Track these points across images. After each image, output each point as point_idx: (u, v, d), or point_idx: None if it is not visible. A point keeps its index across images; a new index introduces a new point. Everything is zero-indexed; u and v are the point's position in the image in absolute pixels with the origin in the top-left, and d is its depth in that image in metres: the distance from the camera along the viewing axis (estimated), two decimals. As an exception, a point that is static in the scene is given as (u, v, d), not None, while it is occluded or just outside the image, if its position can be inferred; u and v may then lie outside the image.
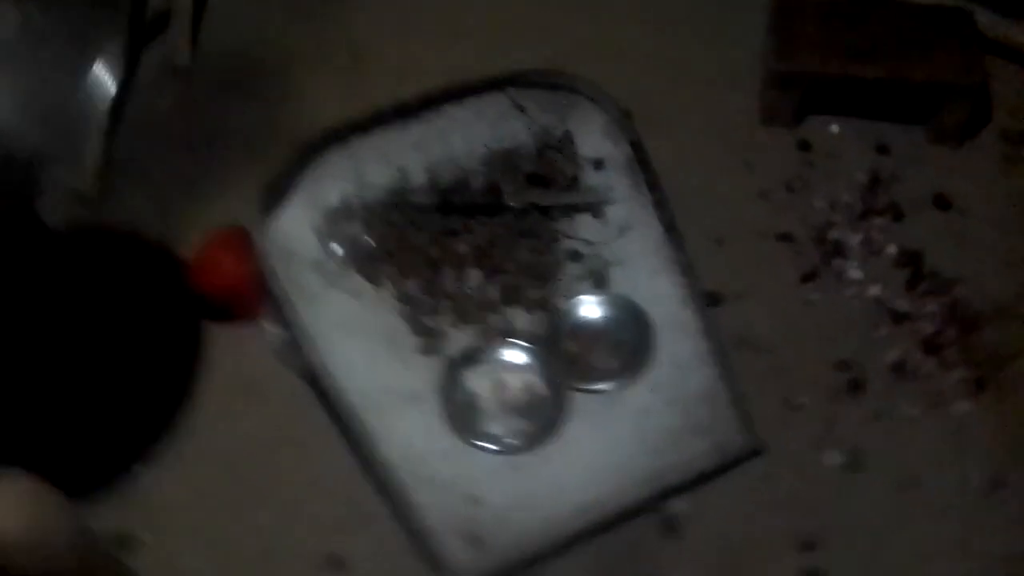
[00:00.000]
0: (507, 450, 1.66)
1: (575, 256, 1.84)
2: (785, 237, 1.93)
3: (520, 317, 1.79)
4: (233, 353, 1.81)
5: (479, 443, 1.66)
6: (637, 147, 1.85)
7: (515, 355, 1.75)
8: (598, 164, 1.88)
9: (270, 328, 1.73)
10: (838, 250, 1.90)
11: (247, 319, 1.80)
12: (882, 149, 2.04)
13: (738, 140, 2.08)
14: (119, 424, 1.75)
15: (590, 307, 1.79)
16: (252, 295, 1.71)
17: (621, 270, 1.82)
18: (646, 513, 1.63)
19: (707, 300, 1.85)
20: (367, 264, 1.80)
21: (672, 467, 1.63)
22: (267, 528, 1.65)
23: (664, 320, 1.75)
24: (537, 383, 1.73)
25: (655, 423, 1.68)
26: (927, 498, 1.65)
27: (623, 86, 2.13)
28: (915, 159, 2.03)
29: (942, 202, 1.96)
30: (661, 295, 1.77)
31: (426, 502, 1.58)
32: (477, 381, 1.73)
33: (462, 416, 1.68)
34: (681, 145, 2.07)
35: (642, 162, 1.84)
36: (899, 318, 1.82)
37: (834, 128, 2.08)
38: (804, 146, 2.06)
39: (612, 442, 1.66)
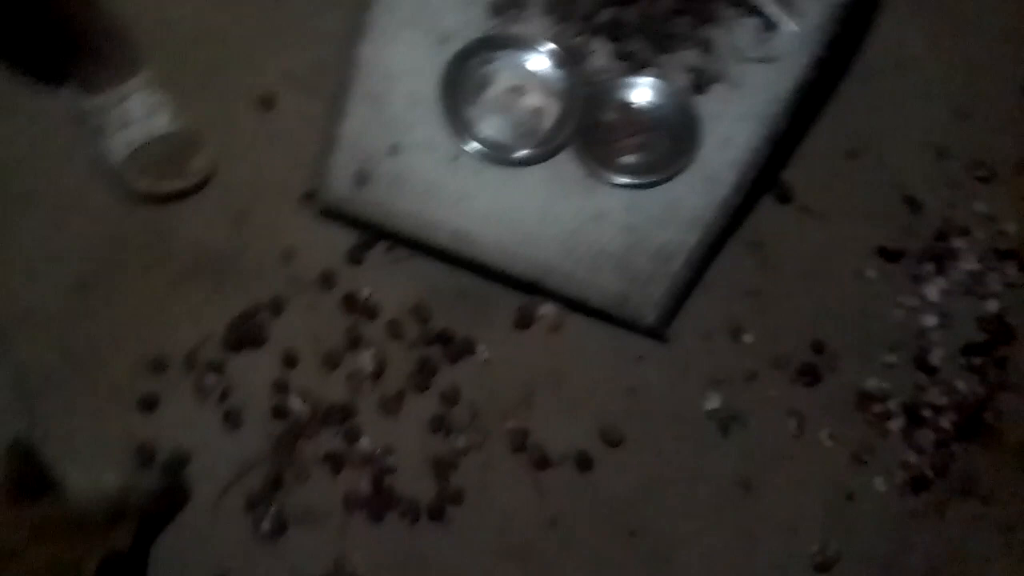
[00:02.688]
0: (466, 148, 1.53)
1: (706, 47, 1.59)
2: (910, 202, 1.59)
3: (600, 53, 1.59)
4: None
5: (450, 121, 1.54)
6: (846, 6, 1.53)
7: (557, 79, 1.57)
8: (814, -13, 1.56)
9: None
10: (943, 258, 1.55)
11: None
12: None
13: (999, 108, 1.67)
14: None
15: (659, 100, 1.56)
16: None
17: (725, 91, 1.56)
18: (517, 290, 1.52)
19: (774, 190, 1.59)
20: None
21: (573, 277, 1.49)
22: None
23: (706, 164, 1.51)
24: (551, 117, 1.56)
25: (598, 232, 1.50)
26: (758, 503, 1.45)
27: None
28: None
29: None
30: (730, 142, 1.52)
31: (357, 116, 1.53)
32: (503, 70, 1.57)
33: (458, 87, 1.55)
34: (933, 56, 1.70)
35: (839, 21, 1.52)
36: (922, 365, 1.51)
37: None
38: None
39: (552, 214, 1.51)
